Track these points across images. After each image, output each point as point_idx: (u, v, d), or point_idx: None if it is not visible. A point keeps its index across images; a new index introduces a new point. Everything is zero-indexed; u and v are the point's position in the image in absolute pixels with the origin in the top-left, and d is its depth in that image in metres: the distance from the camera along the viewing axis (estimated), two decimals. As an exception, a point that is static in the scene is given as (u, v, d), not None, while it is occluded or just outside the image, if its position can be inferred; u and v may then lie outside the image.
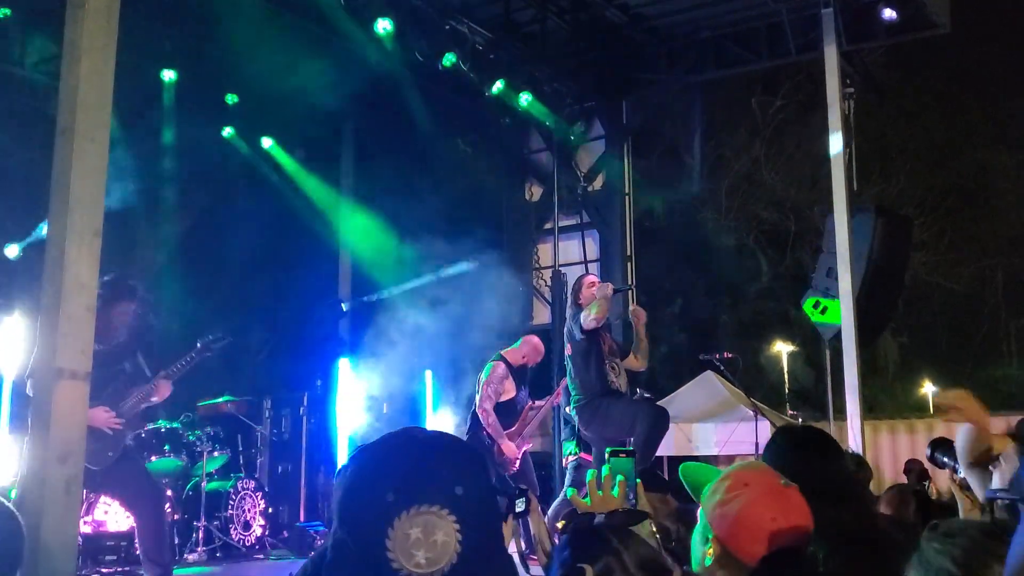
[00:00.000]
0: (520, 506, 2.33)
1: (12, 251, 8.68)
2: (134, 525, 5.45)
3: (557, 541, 2.83)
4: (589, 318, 6.10)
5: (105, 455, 4.98)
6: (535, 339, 7.16)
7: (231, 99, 10.19)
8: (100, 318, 4.66)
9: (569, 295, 6.65)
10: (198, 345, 5.39)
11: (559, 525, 2.16)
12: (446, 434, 1.35)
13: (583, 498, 2.20)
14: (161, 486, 5.69)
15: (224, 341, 5.43)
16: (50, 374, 3.10)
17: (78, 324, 3.16)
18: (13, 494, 5.59)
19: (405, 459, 1.27)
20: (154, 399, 5.28)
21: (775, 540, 1.89)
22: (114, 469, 5.03)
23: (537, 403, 7.09)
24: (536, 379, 7.52)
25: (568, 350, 6.36)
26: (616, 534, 1.78)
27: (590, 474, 2.23)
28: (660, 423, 5.99)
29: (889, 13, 8.78)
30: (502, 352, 7.02)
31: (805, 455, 2.45)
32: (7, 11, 8.13)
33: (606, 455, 2.33)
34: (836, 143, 9.03)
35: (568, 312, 6.54)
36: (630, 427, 5.92)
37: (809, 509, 1.99)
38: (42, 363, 3.17)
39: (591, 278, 6.67)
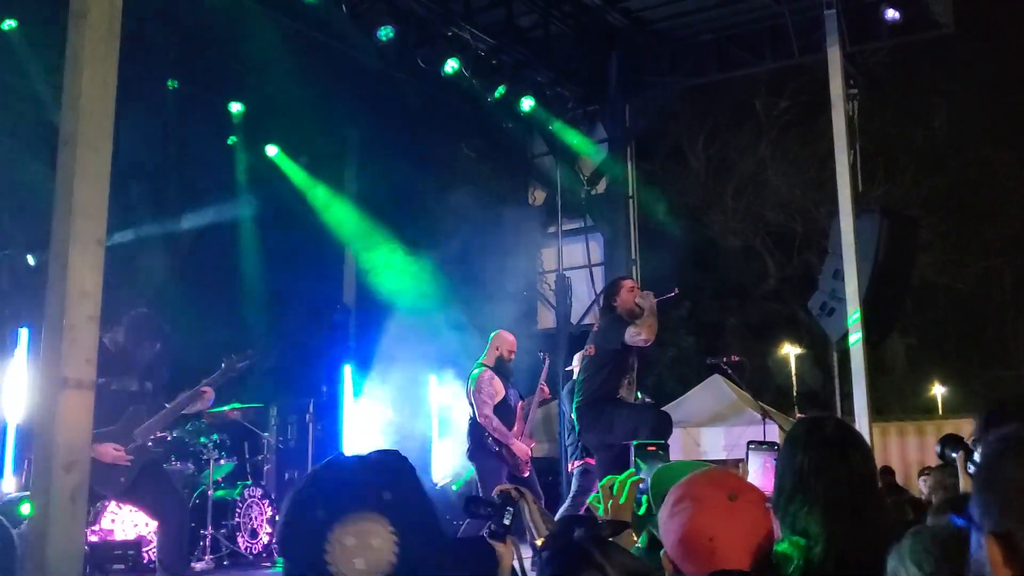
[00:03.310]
0: (508, 518, 2.29)
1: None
2: (155, 532, 5.46)
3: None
4: (639, 337, 5.92)
5: (118, 481, 4.99)
6: (501, 332, 7.12)
7: (235, 108, 10.22)
8: (121, 354, 4.68)
9: (602, 298, 6.60)
10: (223, 364, 5.36)
11: (538, 543, 2.13)
12: (373, 451, 1.39)
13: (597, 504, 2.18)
14: (183, 495, 5.68)
15: (251, 359, 5.39)
16: (55, 383, 3.10)
17: (82, 333, 3.16)
18: (22, 509, 5.61)
19: (330, 478, 1.32)
20: (199, 404, 5.26)
21: (714, 561, 1.81)
22: (139, 481, 5.03)
23: (527, 399, 7.08)
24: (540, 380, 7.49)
25: (590, 351, 6.29)
26: (598, 547, 1.75)
27: (605, 480, 2.20)
28: (663, 429, 5.95)
29: (892, 14, 8.76)
30: (481, 362, 7.01)
31: (822, 453, 2.39)
32: (14, 23, 8.17)
33: (632, 448, 2.29)
34: (840, 144, 9.01)
35: (600, 315, 6.45)
36: (633, 433, 5.88)
37: (767, 521, 1.91)
38: (47, 372, 3.17)
39: (631, 282, 6.52)
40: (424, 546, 1.27)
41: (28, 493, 6.08)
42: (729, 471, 2.13)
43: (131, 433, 5.07)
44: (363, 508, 1.24)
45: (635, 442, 2.44)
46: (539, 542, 1.94)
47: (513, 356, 6.99)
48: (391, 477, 1.30)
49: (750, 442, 3.22)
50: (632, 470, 2.42)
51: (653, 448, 2.42)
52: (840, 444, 2.43)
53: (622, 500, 2.27)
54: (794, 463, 2.43)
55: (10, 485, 6.90)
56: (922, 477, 6.44)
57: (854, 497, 2.37)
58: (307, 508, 1.27)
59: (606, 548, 1.70)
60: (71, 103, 3.36)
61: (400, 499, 1.27)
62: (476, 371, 6.90)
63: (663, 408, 6.96)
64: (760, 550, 1.87)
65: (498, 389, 6.80)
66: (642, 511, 2.34)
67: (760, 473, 3.20)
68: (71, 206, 3.21)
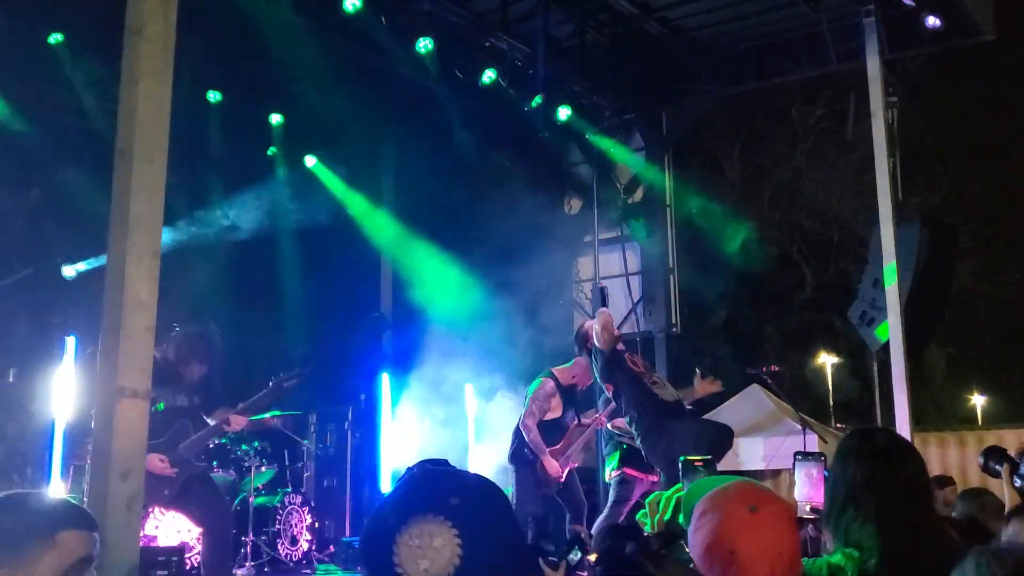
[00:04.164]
0: (575, 556, 2.29)
1: (69, 271, 8.85)
2: (199, 538, 5.55)
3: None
4: (597, 334, 6.19)
5: (162, 493, 5.08)
6: (585, 361, 7.04)
7: (276, 119, 10.34)
8: (169, 369, 4.76)
9: (576, 347, 6.72)
10: (271, 384, 5.45)
11: (591, 559, 2.13)
12: (451, 467, 1.46)
13: (641, 517, 2.19)
14: (228, 504, 5.77)
15: (299, 377, 5.47)
16: (111, 392, 3.18)
17: (138, 343, 3.23)
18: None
19: (404, 486, 1.38)
20: (227, 429, 5.37)
21: (735, 573, 1.81)
22: (185, 489, 5.12)
23: (583, 422, 7.06)
24: (584, 399, 7.48)
25: (608, 390, 6.29)
26: (652, 561, 1.75)
27: (652, 496, 2.22)
28: (720, 442, 5.94)
29: (933, 21, 8.66)
30: (552, 369, 6.98)
31: (874, 465, 2.40)
32: (60, 36, 8.32)
33: (679, 462, 2.31)
34: (880, 152, 8.94)
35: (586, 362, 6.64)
36: (693, 446, 5.88)
37: (792, 533, 1.89)
38: (103, 382, 3.25)
39: (589, 322, 6.68)
40: (488, 551, 1.30)
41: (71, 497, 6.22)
42: (754, 483, 2.13)
43: (176, 447, 5.17)
44: (429, 511, 1.30)
45: (682, 457, 2.46)
46: (592, 557, 1.95)
47: (584, 387, 6.99)
48: (461, 485, 1.36)
49: (797, 453, 3.22)
50: (679, 485, 2.43)
51: (700, 463, 2.43)
52: (892, 456, 2.44)
53: (667, 516, 2.28)
54: (846, 475, 2.44)
55: (59, 489, 7.00)
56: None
57: (906, 509, 2.37)
58: (380, 517, 1.34)
59: (659, 561, 1.71)
60: (127, 116, 3.44)
61: (467, 505, 1.32)
62: (543, 377, 6.89)
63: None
64: (783, 562, 1.85)
65: (554, 407, 6.78)
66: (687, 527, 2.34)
67: (807, 483, 3.20)
68: (127, 218, 3.29)
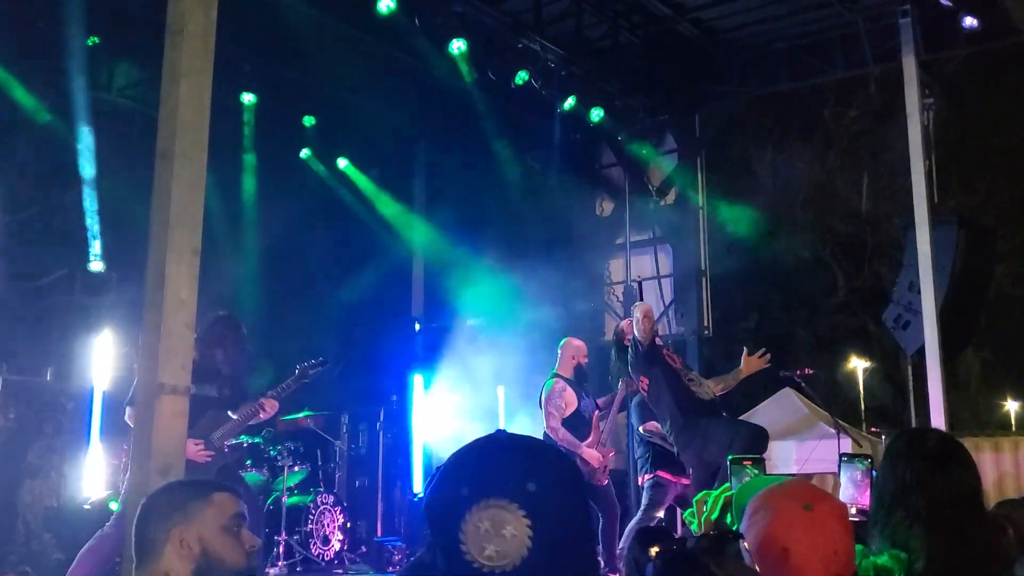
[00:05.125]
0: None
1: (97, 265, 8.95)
2: None
3: (626, 561, 2.79)
4: (637, 322, 6.11)
5: None
6: (570, 339, 7.06)
7: (308, 121, 10.41)
8: (200, 359, 4.80)
9: (613, 349, 6.66)
10: (296, 371, 5.49)
11: (652, 552, 2.11)
12: (533, 438, 1.38)
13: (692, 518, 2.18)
14: (259, 501, 5.80)
15: (323, 366, 5.53)
16: (152, 389, 3.20)
17: (178, 340, 3.26)
18: (112, 506, 5.78)
19: (482, 457, 1.33)
20: (261, 416, 5.40)
21: (788, 571, 1.79)
22: None
23: (599, 402, 7.02)
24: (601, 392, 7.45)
25: (643, 384, 6.23)
26: (713, 559, 1.73)
27: (700, 494, 2.21)
28: (758, 443, 5.88)
29: (970, 21, 8.55)
30: (555, 371, 6.97)
31: (925, 467, 2.36)
32: (96, 39, 8.42)
33: (728, 462, 2.28)
34: (916, 154, 8.84)
35: (619, 359, 6.55)
36: (728, 447, 5.82)
37: (846, 532, 1.85)
38: (144, 378, 3.28)
39: (627, 321, 6.63)
40: (561, 543, 1.26)
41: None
42: (808, 482, 2.11)
43: (209, 437, 5.19)
44: (503, 495, 1.24)
45: (730, 456, 2.43)
46: (653, 552, 1.93)
47: (586, 360, 6.96)
48: (542, 468, 1.29)
49: (843, 454, 3.18)
50: (727, 484, 2.41)
51: (748, 462, 2.41)
52: (943, 458, 2.39)
53: (714, 516, 2.26)
54: (895, 476, 2.40)
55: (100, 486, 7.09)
56: None
57: (956, 512, 2.33)
58: (453, 482, 1.28)
59: (721, 560, 1.69)
60: (168, 116, 3.47)
61: (544, 492, 1.26)
62: (549, 381, 6.88)
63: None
64: (839, 561, 1.82)
65: (569, 401, 6.74)
66: (736, 526, 2.32)
67: (852, 485, 3.16)
68: (168, 216, 3.31)
